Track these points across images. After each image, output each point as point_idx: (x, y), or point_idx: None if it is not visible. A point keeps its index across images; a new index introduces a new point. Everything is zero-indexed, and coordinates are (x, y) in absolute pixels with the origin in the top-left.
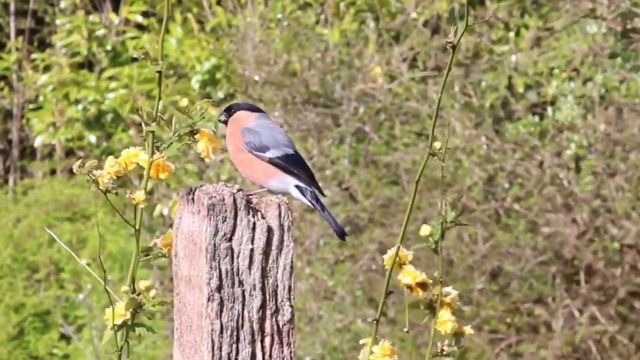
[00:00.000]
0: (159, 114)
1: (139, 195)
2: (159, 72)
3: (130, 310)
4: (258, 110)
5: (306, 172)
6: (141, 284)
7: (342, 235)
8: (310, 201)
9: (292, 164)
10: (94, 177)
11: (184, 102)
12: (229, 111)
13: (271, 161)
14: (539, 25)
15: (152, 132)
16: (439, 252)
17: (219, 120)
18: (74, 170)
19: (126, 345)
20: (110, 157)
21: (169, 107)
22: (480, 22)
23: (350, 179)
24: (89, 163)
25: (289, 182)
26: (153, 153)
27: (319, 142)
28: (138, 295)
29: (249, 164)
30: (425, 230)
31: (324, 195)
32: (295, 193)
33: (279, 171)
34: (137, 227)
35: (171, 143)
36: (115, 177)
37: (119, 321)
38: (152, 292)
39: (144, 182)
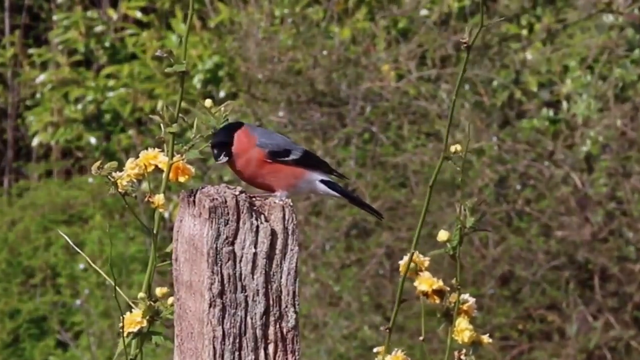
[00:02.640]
0: (180, 114)
1: (158, 198)
2: (183, 72)
3: (148, 317)
4: (240, 123)
5: (324, 163)
6: (157, 291)
7: (381, 215)
8: (340, 191)
9: (312, 159)
10: (113, 180)
11: (208, 102)
12: (224, 145)
13: (295, 162)
14: (552, 20)
15: (173, 133)
16: (457, 259)
17: (222, 159)
18: (93, 172)
19: (140, 354)
20: (131, 159)
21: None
22: (497, 22)
23: (356, 181)
24: (108, 165)
25: (315, 179)
26: (173, 155)
27: (324, 143)
28: (155, 302)
29: (277, 173)
30: (442, 235)
31: (347, 178)
32: (322, 188)
33: (305, 170)
34: (155, 231)
35: (192, 145)
36: (135, 180)
37: (134, 329)
38: (170, 299)
39: (163, 185)
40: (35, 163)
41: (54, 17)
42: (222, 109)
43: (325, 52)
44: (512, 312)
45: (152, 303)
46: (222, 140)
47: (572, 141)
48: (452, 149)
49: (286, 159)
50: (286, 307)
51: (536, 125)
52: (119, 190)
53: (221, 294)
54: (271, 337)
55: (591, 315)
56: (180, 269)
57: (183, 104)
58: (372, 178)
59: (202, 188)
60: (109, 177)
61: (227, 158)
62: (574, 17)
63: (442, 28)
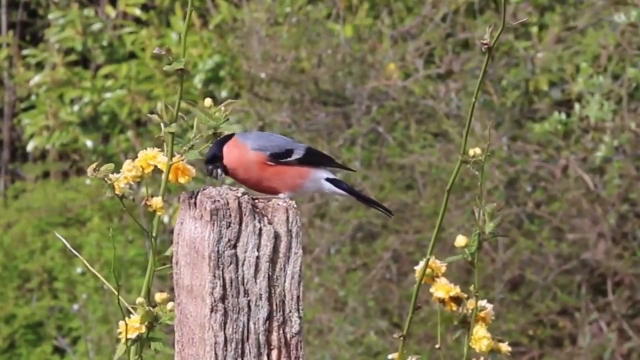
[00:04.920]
0: (179, 114)
1: (157, 201)
2: (182, 70)
3: (146, 323)
4: (230, 135)
5: (328, 158)
6: (157, 296)
7: (390, 212)
8: (346, 189)
9: (316, 156)
10: (109, 182)
11: (208, 101)
12: (215, 159)
13: (299, 161)
14: (560, 29)
15: (172, 133)
16: (475, 265)
17: (216, 174)
18: (89, 174)
19: None
20: (128, 161)
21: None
22: (516, 24)
23: (362, 183)
24: (104, 167)
25: (320, 177)
26: (172, 155)
27: (329, 144)
28: (154, 307)
29: (281, 174)
30: (460, 241)
31: (354, 170)
32: (328, 186)
33: (310, 168)
34: (154, 234)
35: (192, 145)
36: (132, 182)
37: (133, 335)
38: (170, 305)
39: (162, 187)
40: (32, 164)
41: (50, 16)
42: (222, 108)
43: (329, 51)
44: (522, 318)
45: (151, 308)
46: (212, 155)
47: (584, 144)
48: (471, 153)
49: (289, 159)
50: (290, 312)
51: (547, 129)
52: (116, 192)
53: (223, 298)
54: (274, 343)
55: (604, 320)
56: (181, 273)
57: (184, 104)
58: (378, 179)
59: (204, 189)
60: (106, 179)
61: (222, 173)
62: (584, 22)
63: (450, 24)
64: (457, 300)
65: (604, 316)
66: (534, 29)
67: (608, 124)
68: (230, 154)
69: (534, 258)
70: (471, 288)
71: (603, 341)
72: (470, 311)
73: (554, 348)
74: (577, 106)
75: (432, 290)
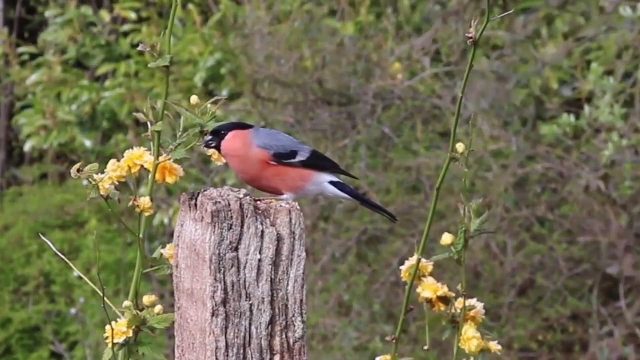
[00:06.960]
0: (165, 112)
1: (144, 202)
2: (167, 66)
3: (133, 327)
4: (249, 125)
5: (333, 163)
6: (145, 299)
7: (394, 217)
8: (350, 193)
9: (321, 160)
10: (94, 183)
11: (194, 99)
12: (218, 134)
13: (303, 164)
14: (568, 30)
15: (159, 132)
16: (462, 263)
17: (208, 145)
18: (72, 175)
19: None
20: (113, 160)
21: (174, 105)
22: (502, 17)
23: (365, 186)
24: (88, 167)
25: (323, 181)
26: (159, 155)
27: (333, 144)
28: (141, 310)
29: (283, 175)
30: (446, 239)
31: (356, 178)
32: (331, 190)
33: (313, 172)
34: (141, 235)
35: (179, 144)
36: (117, 183)
37: (120, 339)
38: (158, 308)
39: (149, 187)
40: (29, 166)
41: (47, 13)
42: (209, 105)
43: (332, 45)
44: (531, 323)
45: (139, 312)
46: (217, 129)
47: (595, 145)
48: (459, 149)
49: (293, 160)
50: (293, 316)
51: (557, 132)
52: (101, 193)
53: (224, 302)
54: (277, 348)
55: (617, 327)
56: (181, 277)
57: (185, 104)
58: (384, 181)
59: (205, 191)
60: (90, 180)
61: (213, 144)
62: (593, 30)
63: (457, 20)
64: (445, 300)
65: (618, 324)
66: (544, 31)
67: (619, 125)
68: (232, 141)
69: (544, 262)
70: (459, 287)
71: (620, 354)
72: (459, 311)
73: (564, 354)
74: (587, 108)
75: (419, 290)
